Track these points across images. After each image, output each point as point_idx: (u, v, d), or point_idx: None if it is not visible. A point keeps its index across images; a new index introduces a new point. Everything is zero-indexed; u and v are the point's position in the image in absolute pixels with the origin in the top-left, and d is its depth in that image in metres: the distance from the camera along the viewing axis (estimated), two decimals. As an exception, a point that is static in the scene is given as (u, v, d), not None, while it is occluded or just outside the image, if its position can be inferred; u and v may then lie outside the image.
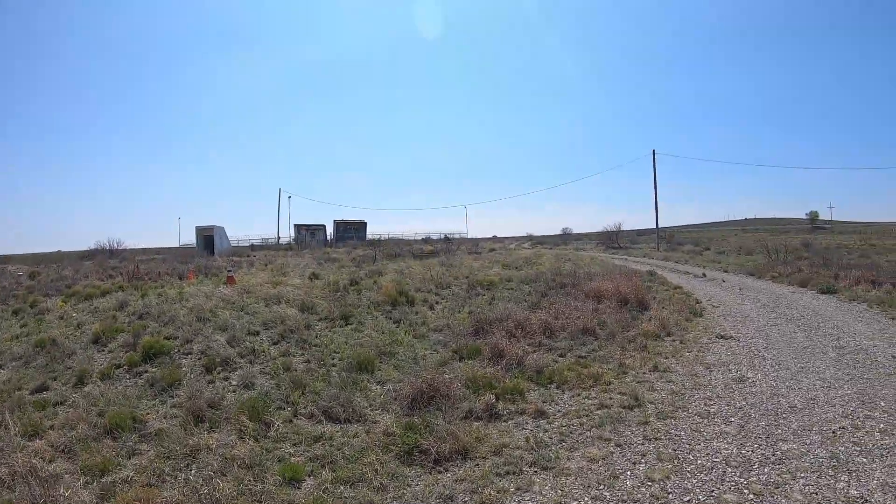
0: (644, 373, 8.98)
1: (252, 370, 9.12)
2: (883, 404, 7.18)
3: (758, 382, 8.36)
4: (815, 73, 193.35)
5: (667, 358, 9.84)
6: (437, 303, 15.18)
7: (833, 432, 6.31)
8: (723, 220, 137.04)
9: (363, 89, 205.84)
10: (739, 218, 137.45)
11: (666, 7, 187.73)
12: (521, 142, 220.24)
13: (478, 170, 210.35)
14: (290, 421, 7.12)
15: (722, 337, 11.45)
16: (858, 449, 5.84)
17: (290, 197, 79.00)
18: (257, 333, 11.16)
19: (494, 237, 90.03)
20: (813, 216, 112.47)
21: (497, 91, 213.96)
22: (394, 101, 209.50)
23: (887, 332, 11.50)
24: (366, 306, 13.93)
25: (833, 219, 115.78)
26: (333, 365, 9.40)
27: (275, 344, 10.60)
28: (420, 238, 69.89)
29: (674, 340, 11.17)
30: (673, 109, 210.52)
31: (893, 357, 9.51)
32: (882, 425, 6.47)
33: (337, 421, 7.10)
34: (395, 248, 43.14)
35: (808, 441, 6.10)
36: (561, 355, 10.00)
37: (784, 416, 6.92)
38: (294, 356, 9.92)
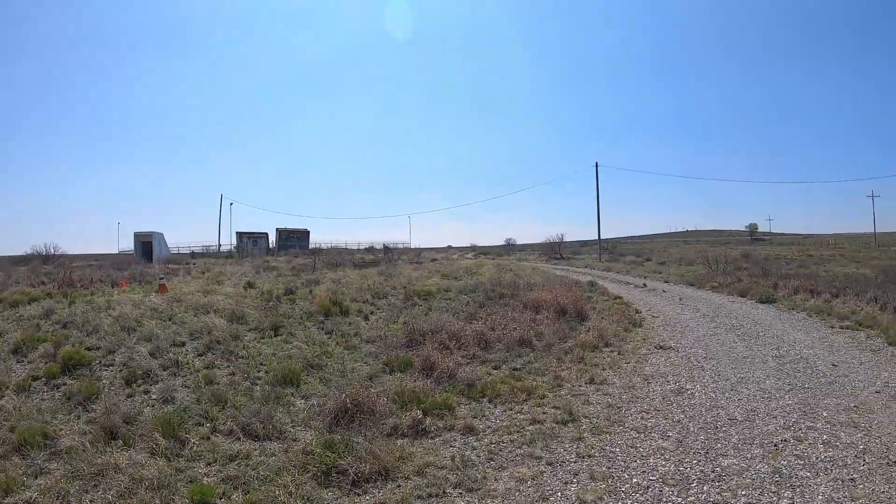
0: (580, 385, 8.76)
1: (174, 383, 8.76)
2: (825, 414, 7.12)
3: (696, 394, 8.22)
4: (751, 89, 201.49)
5: (604, 370, 9.67)
6: (372, 313, 14.98)
7: (775, 445, 6.16)
8: (665, 231, 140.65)
9: (311, 95, 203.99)
10: (681, 230, 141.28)
11: (607, 25, 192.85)
12: (465, 153, 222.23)
13: (423, 180, 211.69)
14: (208, 438, 6.75)
15: (661, 347, 11.41)
16: (801, 462, 5.68)
17: (231, 204, 77.15)
18: (183, 344, 10.85)
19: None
20: (752, 228, 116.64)
21: (444, 102, 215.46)
22: (341, 108, 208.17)
23: (827, 341, 11.68)
24: (298, 316, 13.69)
25: (772, 231, 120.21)
26: (258, 378, 9.09)
27: (200, 355, 10.26)
28: (363, 247, 69.91)
29: (612, 351, 11.06)
30: (617, 124, 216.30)
31: (834, 365, 9.59)
32: (825, 437, 6.36)
33: (256, 438, 6.76)
34: (337, 257, 42.96)
35: (749, 455, 5.91)
36: (495, 367, 9.79)
37: (724, 429, 6.74)
38: (219, 368, 9.58)
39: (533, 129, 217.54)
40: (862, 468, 5.50)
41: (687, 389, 8.46)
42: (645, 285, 24.90)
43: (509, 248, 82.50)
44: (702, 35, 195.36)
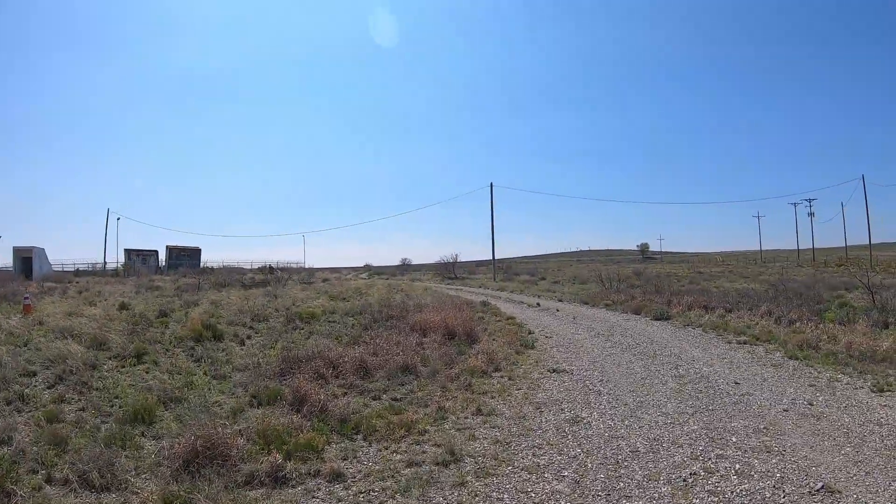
0: (466, 417, 7.97)
1: (15, 421, 7.54)
2: (734, 439, 6.67)
3: (594, 423, 7.59)
4: (644, 116, 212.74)
5: (493, 398, 8.95)
6: (249, 337, 14.22)
7: (684, 480, 5.55)
8: (559, 251, 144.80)
9: (206, 108, 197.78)
10: (575, 249, 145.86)
11: (506, 49, 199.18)
12: (363, 172, 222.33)
13: (318, 199, 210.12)
14: (39, 489, 5.67)
15: (554, 371, 10.87)
16: (716, 500, 5.09)
17: (119, 219, 73.13)
18: (34, 374, 9.78)
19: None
20: (643, 247, 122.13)
21: (345, 121, 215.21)
22: (236, 123, 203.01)
23: (725, 357, 11.61)
24: (167, 342, 12.77)
25: (662, 250, 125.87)
26: (110, 414, 8.00)
27: (50, 387, 9.19)
28: (256, 267, 68.21)
29: (502, 376, 10.42)
30: (513, 146, 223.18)
31: (737, 383, 9.38)
32: (738, 466, 5.86)
33: (93, 489, 5.73)
34: (226, 277, 42.00)
35: (657, 495, 5.25)
36: (375, 398, 8.98)
37: (625, 463, 6.08)
38: (69, 403, 8.54)
39: (430, 148, 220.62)
40: (783, 501, 4.98)
41: (583, 418, 7.82)
42: (539, 304, 25.01)
43: (404, 268, 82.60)
44: (598, 60, 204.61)
